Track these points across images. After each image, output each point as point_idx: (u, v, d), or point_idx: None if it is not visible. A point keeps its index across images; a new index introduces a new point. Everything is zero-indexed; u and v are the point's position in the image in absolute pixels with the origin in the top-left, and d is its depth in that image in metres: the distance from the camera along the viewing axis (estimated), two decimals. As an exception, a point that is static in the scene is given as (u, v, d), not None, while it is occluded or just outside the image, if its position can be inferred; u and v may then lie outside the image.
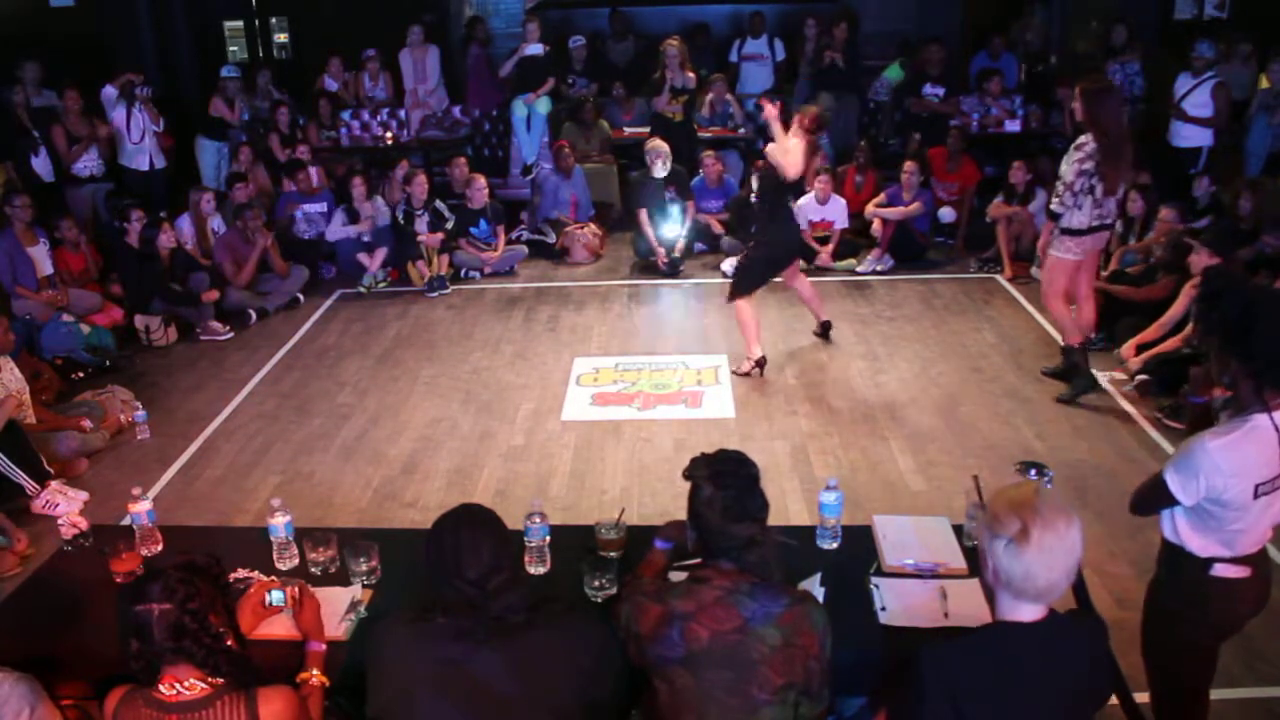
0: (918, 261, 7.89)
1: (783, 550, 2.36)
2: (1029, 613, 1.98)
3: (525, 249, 8.36)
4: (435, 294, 7.55)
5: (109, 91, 7.89)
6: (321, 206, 8.11)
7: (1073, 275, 5.47)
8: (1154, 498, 2.57)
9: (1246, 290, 2.59)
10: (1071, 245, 5.33)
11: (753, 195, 7.93)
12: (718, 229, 8.19)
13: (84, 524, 3.04)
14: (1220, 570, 2.54)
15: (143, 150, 8.07)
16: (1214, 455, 2.43)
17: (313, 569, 2.86)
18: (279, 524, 2.89)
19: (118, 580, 2.79)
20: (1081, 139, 5.15)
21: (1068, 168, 5.18)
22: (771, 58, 9.96)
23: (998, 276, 7.52)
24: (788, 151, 5.65)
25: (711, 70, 9.48)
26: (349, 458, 5.15)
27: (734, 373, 5.95)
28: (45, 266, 6.65)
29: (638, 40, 10.13)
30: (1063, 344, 5.75)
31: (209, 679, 2.09)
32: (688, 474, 2.28)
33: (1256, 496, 2.46)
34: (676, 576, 2.48)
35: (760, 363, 5.90)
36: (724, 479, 2.20)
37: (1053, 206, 5.29)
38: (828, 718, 2.35)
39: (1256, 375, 2.43)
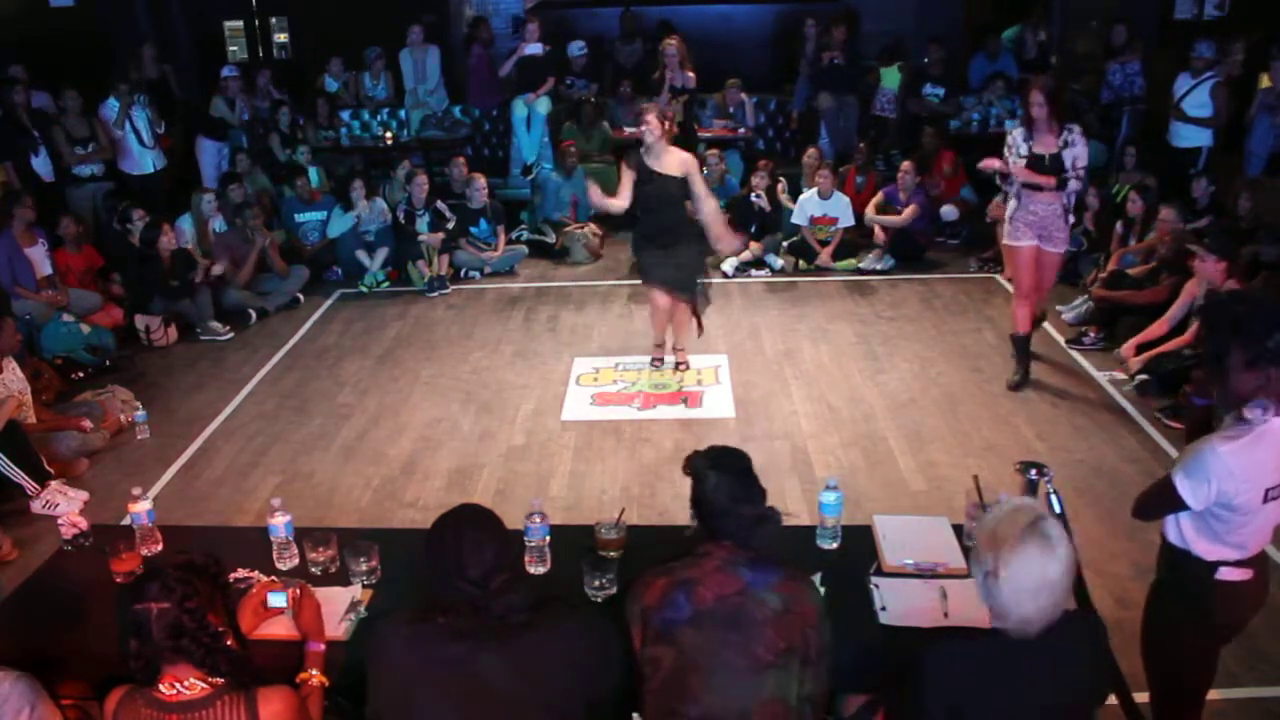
0: (918, 261, 7.89)
1: (781, 534, 2.40)
2: None
3: (525, 249, 8.36)
4: (435, 294, 7.55)
5: (107, 115, 7.92)
6: (322, 214, 8.05)
7: None
8: (1161, 502, 2.53)
9: (1267, 304, 2.57)
10: None
11: (754, 194, 7.97)
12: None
13: (84, 524, 3.03)
14: (1225, 574, 2.53)
15: (143, 154, 8.09)
16: (1226, 459, 2.39)
17: (313, 569, 2.86)
18: (279, 524, 2.89)
19: (118, 580, 2.79)
20: (1075, 126, 5.31)
21: (1082, 150, 5.26)
22: None
23: (997, 276, 7.51)
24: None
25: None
26: (349, 458, 5.15)
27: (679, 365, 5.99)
28: (44, 267, 6.64)
29: (645, 41, 10.12)
30: (1025, 333, 5.70)
31: (209, 679, 2.09)
32: (688, 468, 2.37)
33: (1266, 500, 2.44)
34: None
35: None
36: (724, 466, 2.33)
37: (1079, 190, 5.38)
38: (827, 718, 2.36)
39: None
